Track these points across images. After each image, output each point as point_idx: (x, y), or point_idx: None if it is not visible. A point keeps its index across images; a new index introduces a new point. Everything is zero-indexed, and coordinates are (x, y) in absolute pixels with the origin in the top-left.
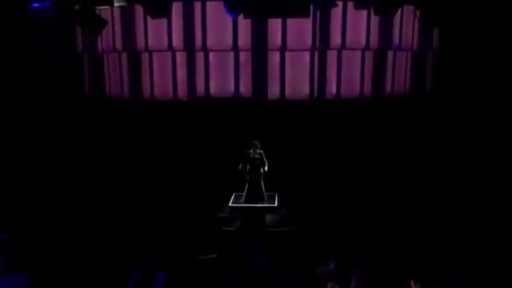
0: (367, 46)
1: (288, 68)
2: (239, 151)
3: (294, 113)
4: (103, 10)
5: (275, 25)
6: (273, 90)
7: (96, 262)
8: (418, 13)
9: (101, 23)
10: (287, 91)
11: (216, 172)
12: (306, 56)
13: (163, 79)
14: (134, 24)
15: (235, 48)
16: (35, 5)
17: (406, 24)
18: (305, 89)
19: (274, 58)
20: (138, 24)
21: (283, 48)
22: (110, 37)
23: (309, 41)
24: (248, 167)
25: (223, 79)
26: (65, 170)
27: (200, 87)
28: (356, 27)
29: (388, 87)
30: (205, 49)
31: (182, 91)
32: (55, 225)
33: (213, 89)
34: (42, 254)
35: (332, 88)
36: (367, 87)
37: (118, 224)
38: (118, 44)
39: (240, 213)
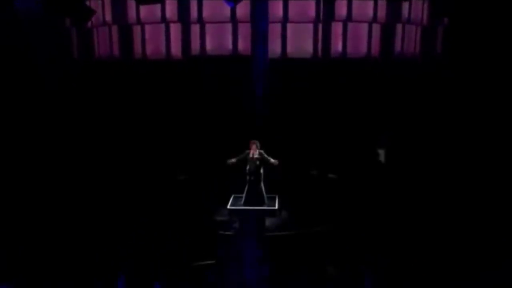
0: (374, 19)
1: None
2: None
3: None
4: None
5: None
6: (274, 48)
7: (82, 270)
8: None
9: (89, 13)
10: (289, 49)
11: (214, 142)
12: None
13: (156, 38)
14: None
15: (233, 19)
16: None
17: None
18: (309, 47)
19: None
20: None
21: (284, 20)
22: (100, 10)
23: (312, 13)
24: (247, 167)
25: (220, 36)
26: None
27: (195, 45)
28: None
29: (397, 49)
30: (201, 20)
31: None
32: (40, 228)
33: (209, 47)
34: (25, 264)
35: (337, 46)
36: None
37: (105, 226)
38: (108, 17)
39: (239, 216)
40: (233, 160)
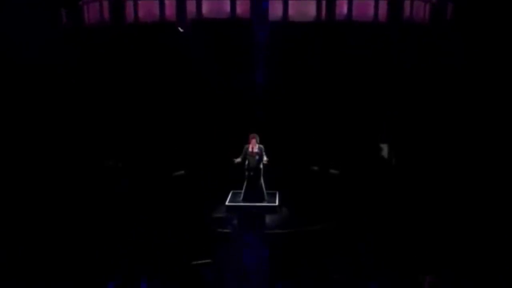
0: None
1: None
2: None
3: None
4: None
5: None
6: (275, 10)
7: (72, 272)
8: None
9: None
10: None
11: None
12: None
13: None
14: None
15: None
16: None
17: None
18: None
19: None
20: None
21: None
22: None
23: None
24: (246, 163)
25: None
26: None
27: (191, 8)
28: None
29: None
30: None
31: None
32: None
33: (206, 10)
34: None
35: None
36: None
37: (95, 224)
38: None
39: (238, 213)
40: (239, 159)
